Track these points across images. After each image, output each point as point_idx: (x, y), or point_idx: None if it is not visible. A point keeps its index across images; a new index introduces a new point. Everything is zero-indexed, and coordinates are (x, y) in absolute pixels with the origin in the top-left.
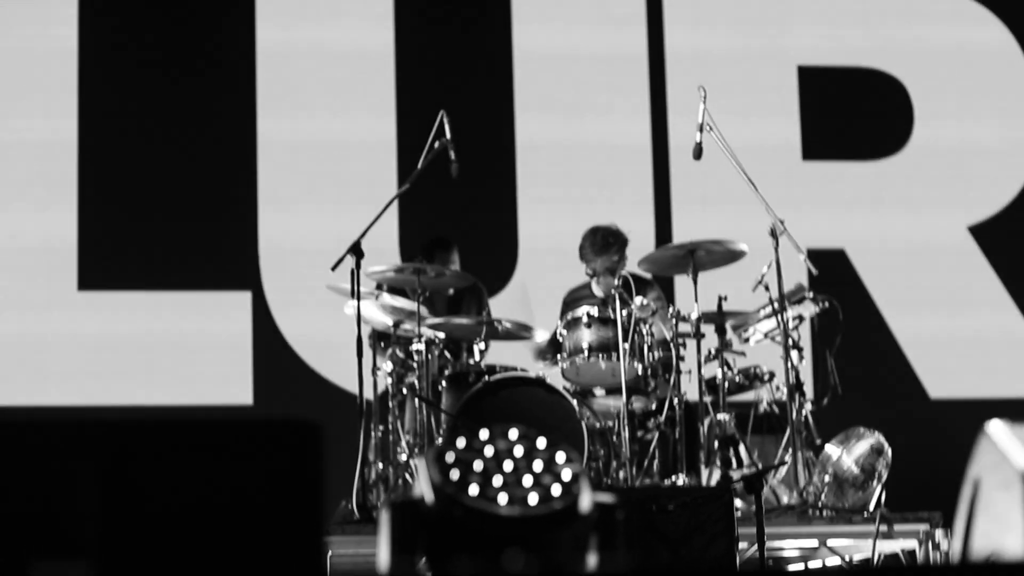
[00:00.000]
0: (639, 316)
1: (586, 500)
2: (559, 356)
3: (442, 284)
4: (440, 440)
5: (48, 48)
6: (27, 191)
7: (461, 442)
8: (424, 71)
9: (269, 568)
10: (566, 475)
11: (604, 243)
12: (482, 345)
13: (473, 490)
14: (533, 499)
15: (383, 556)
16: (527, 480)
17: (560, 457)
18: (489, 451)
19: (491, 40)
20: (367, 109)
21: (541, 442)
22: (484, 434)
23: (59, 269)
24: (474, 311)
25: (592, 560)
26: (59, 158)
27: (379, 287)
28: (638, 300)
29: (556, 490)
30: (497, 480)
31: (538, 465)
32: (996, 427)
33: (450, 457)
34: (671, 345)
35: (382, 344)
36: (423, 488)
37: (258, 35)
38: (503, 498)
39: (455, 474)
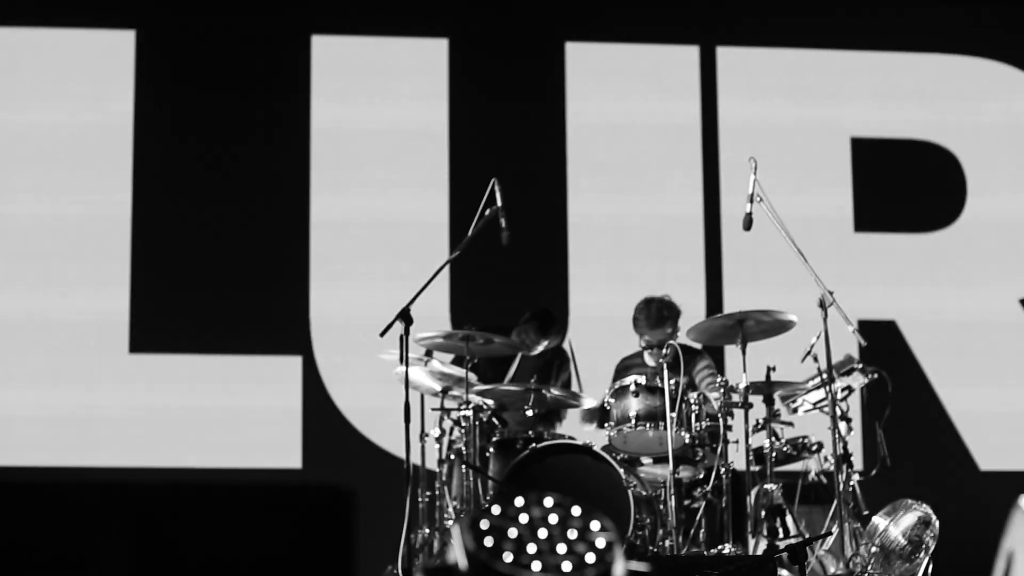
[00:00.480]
0: (706, 390)
1: (619, 569)
2: (607, 424)
3: (491, 351)
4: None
5: (104, 123)
6: (81, 254)
7: (496, 509)
8: (477, 144)
9: None
10: (600, 543)
11: (659, 316)
12: (530, 412)
13: (507, 557)
14: (567, 567)
15: None
16: (561, 548)
17: (595, 525)
18: (524, 519)
19: (545, 112)
20: (420, 183)
21: (576, 510)
22: (519, 501)
23: (111, 332)
24: (562, 375)
25: None
26: (113, 224)
27: (428, 353)
28: (714, 395)
29: (590, 558)
30: (531, 547)
31: (572, 533)
32: None
33: (485, 524)
34: (719, 415)
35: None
36: (457, 555)
37: (313, 111)
38: (537, 566)
39: (489, 541)
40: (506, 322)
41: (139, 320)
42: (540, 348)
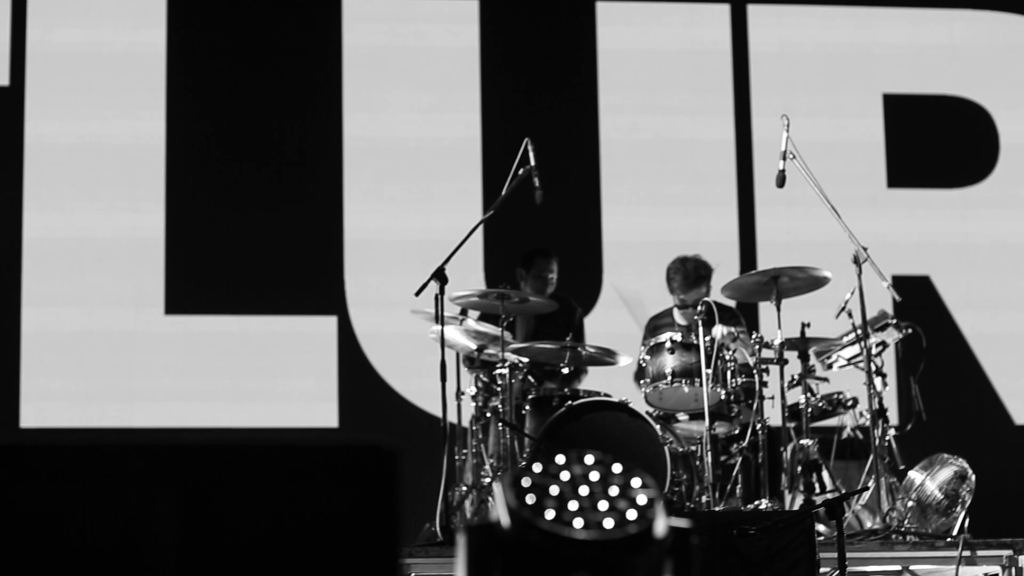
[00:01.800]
0: (721, 343)
1: (661, 525)
2: (643, 381)
3: (526, 309)
4: (518, 465)
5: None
6: (114, 212)
7: (537, 467)
8: (509, 106)
9: None
10: (641, 500)
11: (697, 275)
12: (566, 370)
13: (549, 514)
14: (608, 524)
15: None
16: (603, 505)
17: (636, 482)
18: (565, 476)
19: (576, 75)
20: (453, 145)
21: (617, 467)
22: (560, 459)
23: (147, 293)
24: (575, 324)
25: None
26: (148, 177)
27: (463, 312)
28: (720, 329)
29: (631, 515)
30: (573, 505)
31: (614, 490)
32: None
33: (526, 482)
34: (754, 371)
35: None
36: (499, 512)
37: (344, 83)
38: (578, 522)
39: (531, 498)
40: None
41: (174, 281)
42: (554, 275)
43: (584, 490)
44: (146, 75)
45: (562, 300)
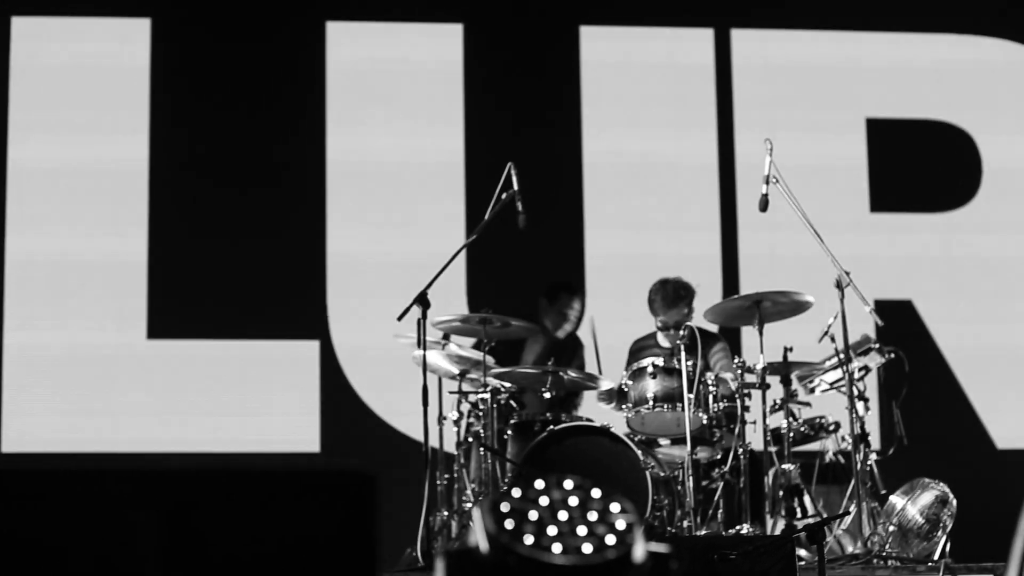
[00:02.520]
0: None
1: (640, 549)
2: (624, 406)
3: (507, 334)
4: (499, 489)
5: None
6: (98, 240)
7: (516, 492)
8: (493, 129)
9: None
10: (620, 525)
11: (675, 296)
12: (548, 394)
13: (528, 539)
14: (587, 548)
15: None
16: (581, 530)
17: (615, 507)
18: (544, 501)
19: (559, 97)
20: (436, 170)
21: (596, 492)
22: (540, 484)
23: (129, 318)
24: (576, 360)
25: None
26: (130, 203)
27: (446, 337)
28: (727, 376)
29: (610, 540)
30: (552, 530)
31: (593, 515)
32: None
33: (505, 507)
34: (736, 396)
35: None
36: (478, 537)
37: (328, 105)
38: (557, 547)
39: (510, 524)
40: (523, 305)
41: (157, 306)
42: (575, 313)
43: (563, 515)
44: (130, 97)
45: (574, 340)
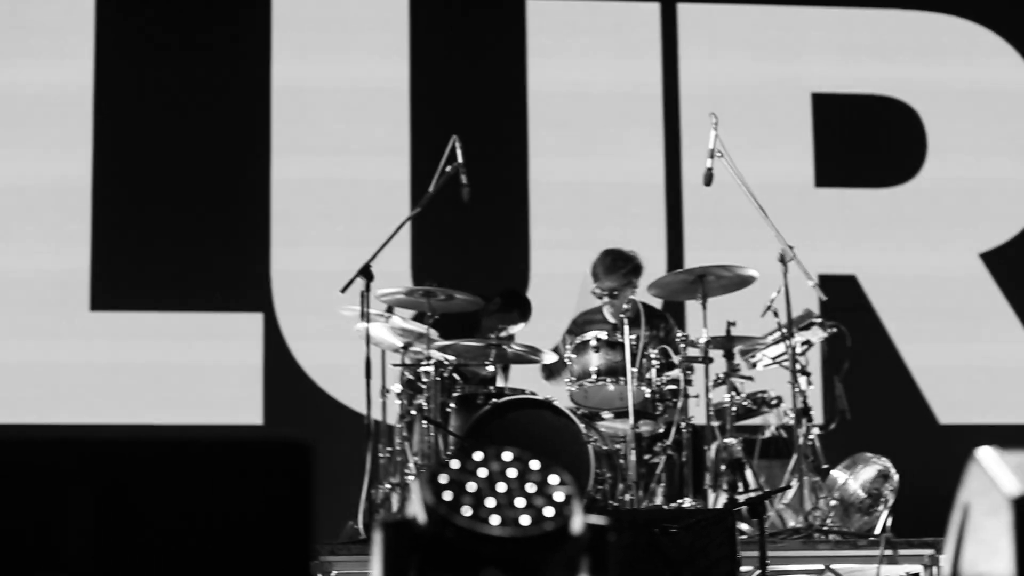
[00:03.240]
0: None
1: (578, 522)
2: (567, 379)
3: (452, 307)
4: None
5: (64, 84)
6: (41, 211)
7: (455, 463)
8: (438, 103)
9: None
10: (559, 497)
11: (613, 264)
12: (491, 368)
13: (465, 511)
14: (525, 520)
15: (375, 574)
16: (520, 502)
17: (553, 479)
18: (483, 473)
19: (506, 71)
20: (381, 140)
21: (535, 464)
22: (478, 456)
23: (72, 290)
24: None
25: None
26: (73, 181)
27: (389, 309)
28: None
29: (548, 512)
30: (490, 501)
31: (531, 487)
32: (985, 453)
33: (443, 478)
34: (680, 370)
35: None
36: (416, 509)
37: (273, 68)
38: (495, 519)
39: (448, 495)
40: (467, 278)
41: (100, 277)
42: (509, 332)
43: (501, 487)
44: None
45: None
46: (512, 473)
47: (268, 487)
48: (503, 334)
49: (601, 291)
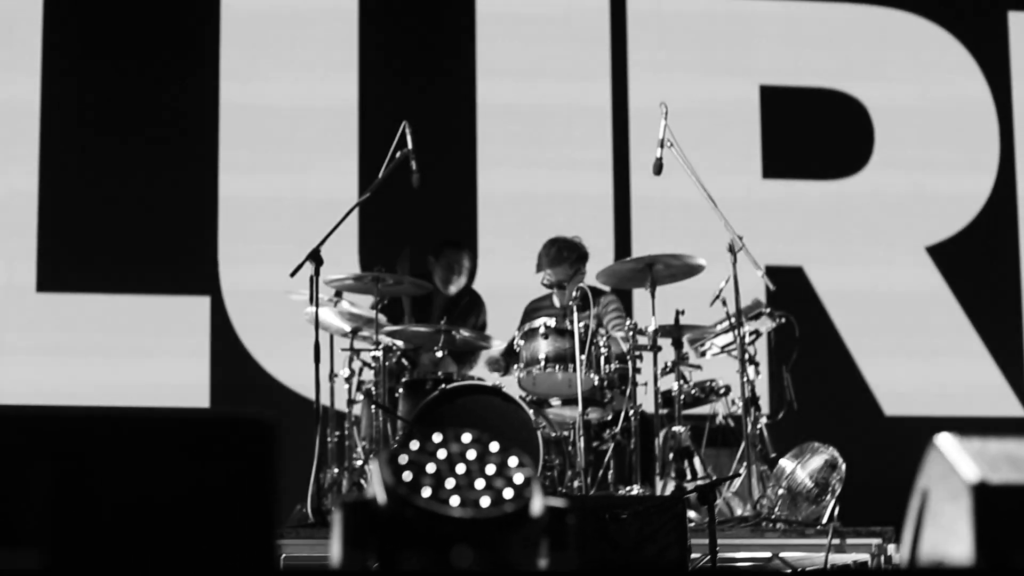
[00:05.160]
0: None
1: (537, 503)
2: (516, 366)
3: (400, 292)
4: (394, 443)
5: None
6: None
7: (415, 445)
8: (386, 86)
9: (221, 564)
10: (518, 479)
11: (559, 255)
12: (439, 353)
13: (425, 492)
14: (485, 502)
15: (335, 554)
16: (479, 483)
17: (512, 461)
18: (442, 454)
19: (455, 59)
20: (329, 124)
21: (494, 446)
22: (437, 437)
23: (18, 271)
24: (472, 319)
25: (542, 562)
26: (21, 163)
27: (338, 294)
28: (619, 334)
29: (508, 493)
30: (450, 482)
31: (490, 469)
32: (944, 440)
33: (403, 459)
34: (627, 357)
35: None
36: (376, 489)
37: (221, 66)
38: (455, 500)
39: (408, 476)
40: (416, 264)
41: (46, 259)
42: (465, 271)
43: (461, 468)
44: (21, 42)
45: (473, 294)
46: (471, 455)
47: (233, 464)
48: (458, 271)
49: (549, 282)
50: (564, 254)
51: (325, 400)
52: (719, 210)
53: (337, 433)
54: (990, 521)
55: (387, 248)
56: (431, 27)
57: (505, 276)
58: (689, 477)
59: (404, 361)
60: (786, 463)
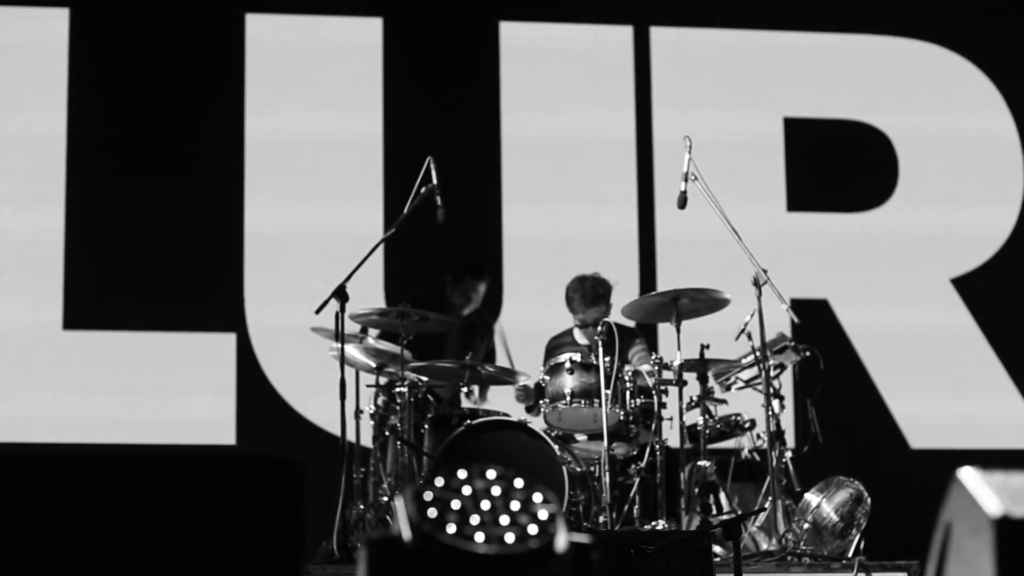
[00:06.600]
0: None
1: (562, 540)
2: (542, 402)
3: (426, 328)
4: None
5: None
6: (14, 231)
7: (440, 481)
8: (412, 125)
9: None
10: (543, 515)
11: (594, 294)
12: (465, 389)
13: (451, 528)
14: (510, 538)
15: None
16: (504, 519)
17: (537, 497)
18: (467, 490)
19: (479, 94)
20: (354, 163)
21: (519, 482)
22: (463, 474)
23: (44, 309)
24: (483, 346)
25: None
26: (48, 205)
27: (363, 330)
28: (645, 368)
29: (533, 529)
30: (475, 519)
31: (515, 505)
32: (967, 473)
33: (428, 495)
34: (653, 392)
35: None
36: (401, 526)
37: (247, 97)
38: (480, 536)
39: (433, 512)
40: (442, 300)
41: (72, 297)
42: (478, 296)
43: (486, 504)
44: (48, 80)
45: (482, 318)
46: (496, 491)
47: (260, 502)
48: (474, 299)
49: (583, 323)
50: (599, 291)
51: (351, 436)
52: (743, 243)
53: (363, 469)
54: (1013, 555)
55: (412, 284)
56: (455, 61)
57: (531, 311)
58: (715, 512)
59: (430, 397)
60: (811, 497)
